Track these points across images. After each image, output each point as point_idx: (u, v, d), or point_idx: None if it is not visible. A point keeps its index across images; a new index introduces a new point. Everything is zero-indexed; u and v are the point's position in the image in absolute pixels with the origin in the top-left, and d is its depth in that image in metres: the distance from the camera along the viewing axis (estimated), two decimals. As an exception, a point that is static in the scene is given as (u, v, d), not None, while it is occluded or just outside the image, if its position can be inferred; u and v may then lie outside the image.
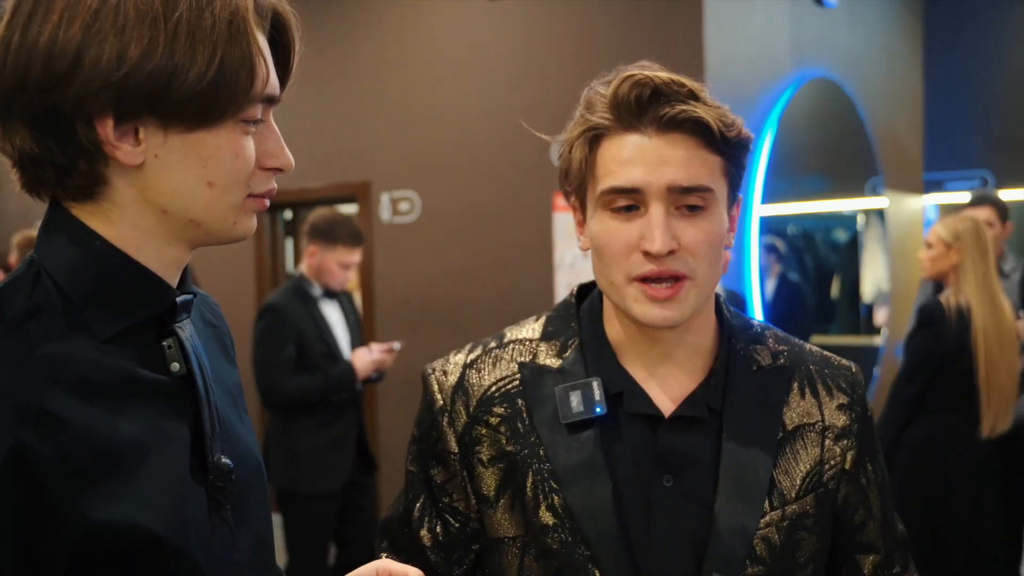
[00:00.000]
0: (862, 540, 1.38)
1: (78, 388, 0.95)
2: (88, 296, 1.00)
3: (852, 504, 1.36)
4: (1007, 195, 5.00)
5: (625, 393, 1.30)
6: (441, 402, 1.38)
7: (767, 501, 1.27)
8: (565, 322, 1.39)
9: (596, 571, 1.24)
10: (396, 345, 4.39)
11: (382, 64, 6.79)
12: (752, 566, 1.24)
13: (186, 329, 1.09)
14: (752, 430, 1.30)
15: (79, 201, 1.01)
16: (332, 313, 4.41)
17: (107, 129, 0.95)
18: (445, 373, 1.40)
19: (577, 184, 1.30)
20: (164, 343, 1.05)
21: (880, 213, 6.97)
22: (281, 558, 4.19)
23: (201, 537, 1.02)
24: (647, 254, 1.20)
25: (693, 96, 1.22)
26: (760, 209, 5.90)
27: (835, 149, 6.88)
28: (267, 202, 1.11)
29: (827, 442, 1.34)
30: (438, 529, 1.38)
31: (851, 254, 7.13)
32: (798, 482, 1.30)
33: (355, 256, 4.38)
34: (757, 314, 5.88)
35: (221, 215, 1.04)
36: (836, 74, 6.57)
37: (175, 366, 1.05)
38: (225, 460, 1.08)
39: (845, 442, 1.35)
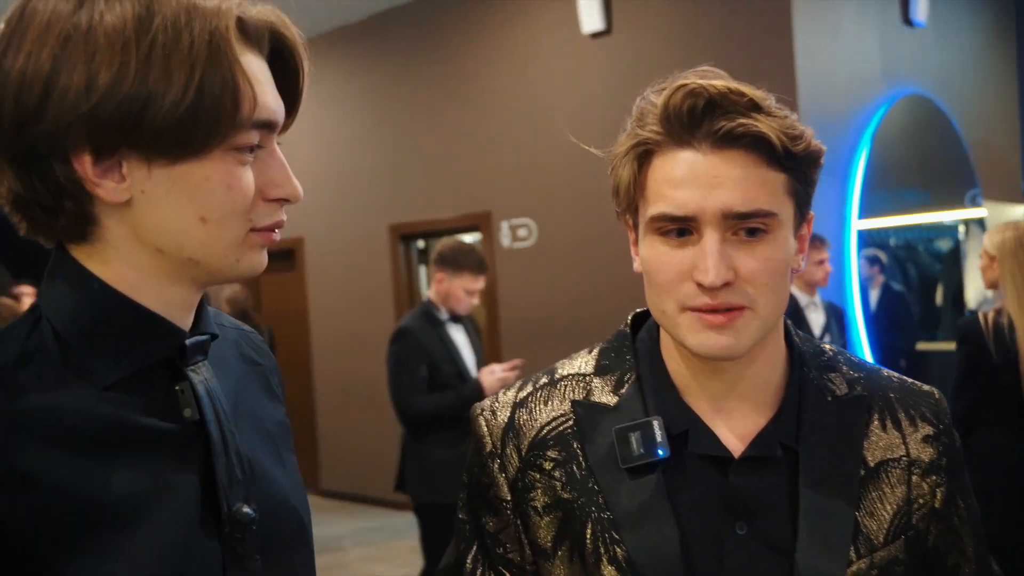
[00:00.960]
0: None
1: (64, 442, 0.85)
2: (87, 341, 0.90)
3: (944, 546, 1.16)
4: None
5: (690, 432, 1.11)
6: (491, 445, 1.20)
7: (852, 548, 1.07)
8: (620, 355, 1.20)
9: None
10: (518, 364, 4.28)
11: (500, 107, 6.87)
12: None
13: (201, 372, 0.96)
14: (831, 468, 1.10)
15: (76, 242, 0.91)
16: (458, 335, 4.32)
17: (85, 165, 0.85)
18: (494, 413, 1.21)
19: (626, 204, 1.10)
20: (176, 388, 0.93)
21: (980, 222, 6.76)
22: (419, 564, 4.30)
23: None
24: (700, 285, 1.02)
25: (754, 107, 1.01)
26: (858, 223, 5.82)
27: (932, 163, 6.73)
28: (276, 235, 0.96)
29: (914, 479, 1.12)
30: None
31: (953, 263, 6.92)
32: (886, 525, 1.10)
33: (479, 283, 4.26)
34: (860, 324, 5.80)
35: (220, 252, 0.91)
36: (928, 90, 6.44)
37: (187, 412, 0.93)
38: (246, 510, 0.94)
39: (934, 478, 1.13)
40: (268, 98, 0.91)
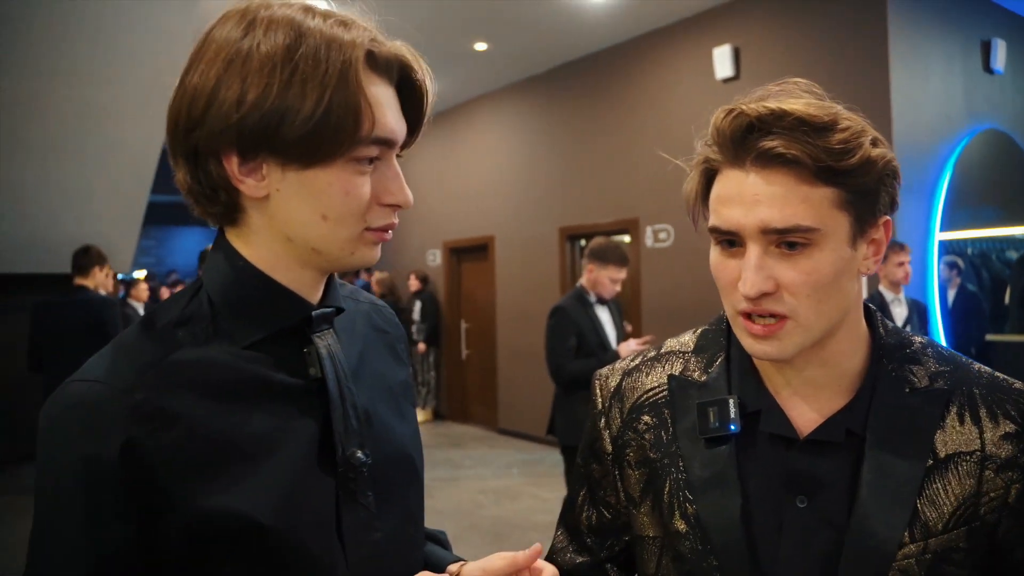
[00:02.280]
0: None
1: (204, 388, 0.82)
2: (232, 308, 0.87)
3: (1012, 541, 0.94)
4: None
5: (763, 412, 0.99)
6: (600, 405, 1.11)
7: (907, 532, 0.91)
8: (716, 337, 1.08)
9: None
10: (649, 339, 4.16)
11: (645, 133, 6.83)
12: None
13: (326, 338, 0.91)
14: (897, 455, 0.93)
15: (229, 226, 0.89)
16: (603, 315, 4.22)
17: (232, 165, 0.82)
18: (607, 378, 1.12)
19: (692, 215, 0.99)
20: (304, 350, 0.89)
21: (1046, 236, 6.41)
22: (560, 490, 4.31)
23: (321, 522, 0.86)
24: (744, 294, 0.91)
25: (801, 125, 0.86)
26: (940, 235, 5.64)
27: (1004, 186, 6.33)
28: (388, 235, 0.90)
29: (987, 473, 0.93)
30: (594, 517, 1.13)
31: (1020, 269, 6.56)
32: (947, 513, 0.92)
33: (622, 274, 4.16)
34: (938, 319, 5.59)
35: (338, 246, 0.87)
36: (1004, 126, 6.13)
37: (312, 371, 0.88)
38: (359, 454, 0.90)
39: (1010, 474, 0.93)
40: (388, 119, 0.85)
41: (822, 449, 0.95)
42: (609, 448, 1.09)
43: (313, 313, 0.90)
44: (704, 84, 6.31)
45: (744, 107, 0.89)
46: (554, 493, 5.99)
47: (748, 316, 0.92)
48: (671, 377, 1.06)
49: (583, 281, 4.23)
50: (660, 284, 6.72)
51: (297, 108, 0.79)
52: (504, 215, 8.35)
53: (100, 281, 4.46)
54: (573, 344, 4.06)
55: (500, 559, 0.91)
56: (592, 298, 4.18)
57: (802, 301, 0.89)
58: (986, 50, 6.01)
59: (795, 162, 0.86)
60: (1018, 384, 0.98)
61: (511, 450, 7.81)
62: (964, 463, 0.93)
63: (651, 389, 1.07)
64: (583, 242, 7.67)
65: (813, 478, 0.95)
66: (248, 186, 0.83)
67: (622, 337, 4.29)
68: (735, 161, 0.91)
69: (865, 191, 0.89)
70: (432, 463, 7.38)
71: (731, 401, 0.98)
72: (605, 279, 4.12)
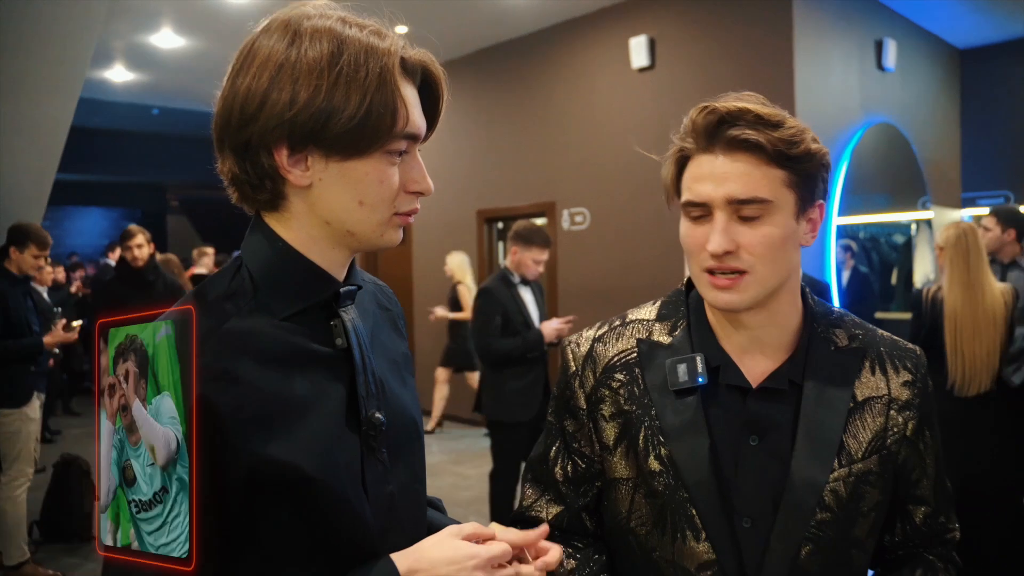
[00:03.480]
0: (916, 494, 1.20)
1: (255, 354, 0.89)
2: (271, 284, 0.94)
3: (909, 465, 1.18)
4: None
5: (722, 367, 1.14)
6: (574, 368, 1.24)
7: (836, 460, 1.10)
8: (676, 307, 1.23)
9: (693, 510, 1.11)
10: (572, 319, 4.30)
11: (565, 123, 6.94)
12: (821, 512, 1.09)
13: (350, 313, 1.00)
14: (826, 400, 1.12)
15: (269, 211, 0.96)
16: (527, 295, 4.30)
17: (282, 157, 0.90)
18: (578, 345, 1.25)
19: (668, 195, 1.16)
20: (332, 323, 0.97)
21: (928, 222, 6.85)
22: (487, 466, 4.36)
23: (351, 475, 0.93)
24: (711, 252, 1.07)
25: (759, 120, 1.05)
26: (838, 220, 5.93)
27: (894, 175, 6.76)
28: (411, 219, 1.00)
29: (892, 412, 1.15)
30: (568, 468, 1.24)
31: (906, 252, 6.94)
32: (864, 444, 1.12)
33: (545, 255, 4.28)
34: (835, 297, 5.85)
35: (371, 228, 0.95)
36: (894, 120, 6.50)
37: (339, 341, 0.96)
38: (378, 415, 0.98)
39: (908, 413, 1.16)
40: (416, 117, 0.94)
41: (770, 396, 1.13)
42: (583, 404, 1.22)
43: (341, 290, 0.98)
44: (621, 73, 6.46)
45: (716, 105, 1.07)
46: (476, 470, 6.11)
47: (712, 273, 1.08)
48: (640, 341, 1.21)
49: (507, 263, 4.32)
50: (576, 265, 6.85)
51: (342, 108, 0.88)
52: (421, 198, 8.30)
53: (27, 264, 4.26)
54: (499, 323, 4.15)
55: (514, 532, 1.00)
56: (516, 279, 4.27)
57: (758, 259, 1.06)
58: (879, 49, 6.36)
59: (756, 147, 1.04)
60: (911, 345, 1.23)
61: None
62: (876, 404, 1.15)
63: (622, 351, 1.21)
64: (500, 225, 7.75)
65: (764, 420, 1.12)
66: (295, 175, 0.91)
67: (545, 316, 4.40)
68: (707, 148, 1.08)
69: (807, 176, 1.08)
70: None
71: (698, 358, 1.14)
72: (529, 260, 4.21)
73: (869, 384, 1.15)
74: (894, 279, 7.06)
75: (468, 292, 7.03)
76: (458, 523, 1.03)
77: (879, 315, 6.57)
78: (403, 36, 0.96)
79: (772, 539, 1.09)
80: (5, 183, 5.78)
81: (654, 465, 1.14)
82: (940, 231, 3.62)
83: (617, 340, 1.22)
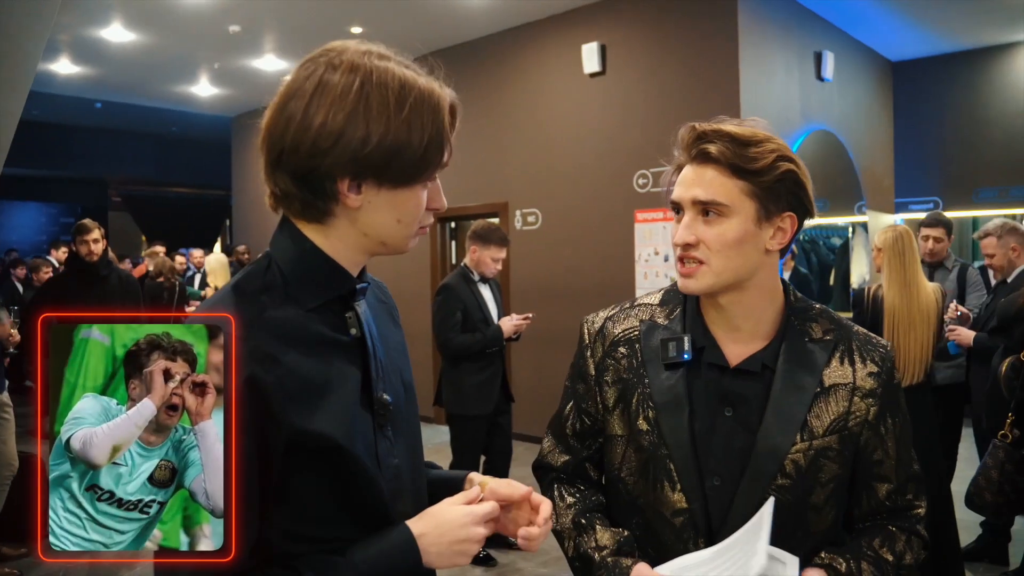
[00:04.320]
0: (878, 472, 1.32)
1: (290, 340, 0.98)
2: (299, 280, 1.03)
3: (871, 446, 1.30)
4: (951, 214, 5.09)
5: (706, 348, 1.29)
6: (587, 341, 1.41)
7: (799, 434, 1.24)
8: (676, 295, 1.38)
9: (671, 465, 1.26)
10: (530, 316, 4.39)
11: (516, 121, 7.02)
12: (781, 478, 1.23)
13: (361, 306, 1.09)
14: (795, 383, 1.26)
15: (310, 222, 1.04)
16: (486, 292, 4.38)
17: (345, 184, 0.99)
18: (593, 322, 1.42)
19: (667, 199, 1.31)
20: (347, 315, 1.07)
21: (864, 225, 7.10)
22: (448, 459, 4.42)
23: (367, 447, 1.04)
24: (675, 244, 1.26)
25: (730, 139, 1.20)
26: (778, 222, 6.12)
27: (831, 180, 6.92)
28: (427, 229, 1.12)
29: (855, 399, 1.27)
30: (577, 425, 1.42)
31: (843, 254, 7.11)
32: (826, 424, 1.25)
33: (503, 253, 4.35)
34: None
35: (400, 240, 1.07)
36: (832, 128, 6.72)
37: (353, 331, 1.06)
38: (386, 396, 1.09)
39: (870, 400, 1.28)
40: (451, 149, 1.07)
41: (745, 376, 1.28)
42: (592, 371, 1.39)
43: (357, 286, 1.08)
44: (573, 78, 6.57)
45: (696, 124, 1.25)
46: (438, 463, 6.08)
47: (681, 262, 1.26)
48: (642, 321, 1.38)
49: (467, 261, 4.38)
50: (528, 264, 6.94)
51: (407, 145, 0.99)
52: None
53: None
54: (459, 319, 4.23)
55: (504, 486, 1.13)
56: (475, 276, 4.34)
57: (713, 253, 1.23)
58: (818, 60, 6.59)
59: (717, 160, 1.21)
60: (883, 341, 1.37)
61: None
62: (840, 390, 1.28)
63: (627, 329, 1.38)
64: (453, 224, 7.80)
65: (738, 395, 1.28)
66: (350, 199, 1.01)
67: (503, 312, 4.48)
68: (688, 159, 1.26)
69: (767, 188, 1.22)
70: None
71: (686, 338, 1.31)
72: (488, 259, 4.29)
73: (836, 372, 1.28)
74: (832, 279, 7.26)
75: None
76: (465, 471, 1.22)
77: (817, 314, 6.71)
78: (441, 78, 1.08)
79: (736, 497, 1.25)
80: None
81: (642, 425, 1.30)
82: (878, 234, 3.75)
83: (624, 319, 1.39)
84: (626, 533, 1.33)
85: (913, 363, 3.48)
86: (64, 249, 5.58)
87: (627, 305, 1.43)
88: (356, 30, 7.04)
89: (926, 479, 1.41)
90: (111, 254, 5.62)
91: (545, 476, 1.47)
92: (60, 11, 6.36)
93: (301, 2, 6.34)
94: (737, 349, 1.30)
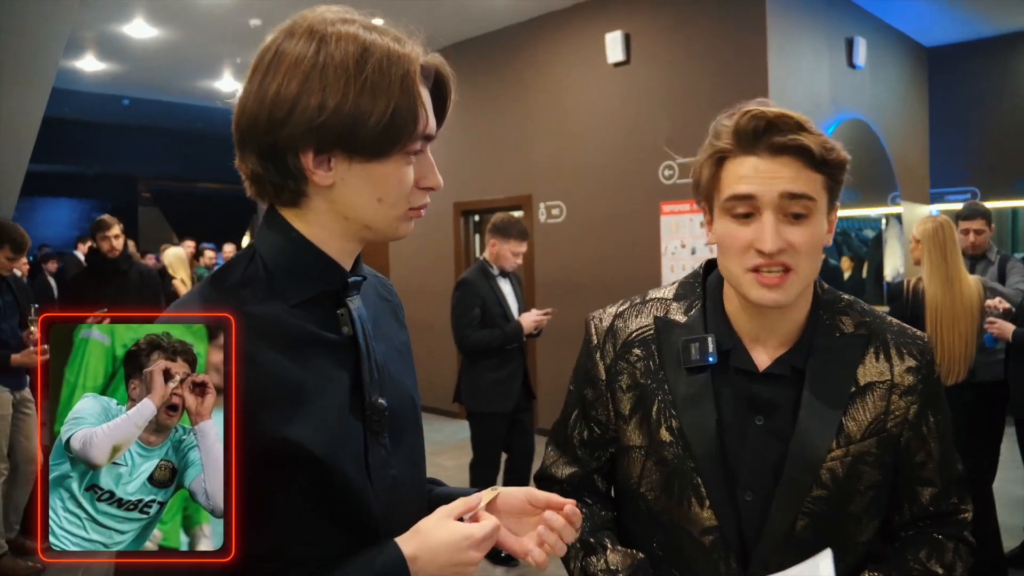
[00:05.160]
0: (922, 475, 1.23)
1: (270, 339, 0.92)
2: (284, 272, 0.97)
3: (913, 447, 1.21)
4: (989, 204, 4.97)
5: (732, 351, 1.20)
6: (596, 340, 1.30)
7: (835, 440, 1.15)
8: (692, 288, 1.28)
9: (699, 479, 1.17)
10: (550, 311, 4.31)
11: (539, 113, 6.97)
12: (817, 489, 1.14)
13: (355, 302, 1.03)
14: (828, 384, 1.17)
15: (287, 207, 0.98)
16: (505, 287, 4.32)
17: (308, 159, 0.92)
18: (601, 320, 1.31)
19: (706, 194, 1.18)
20: (338, 312, 1.00)
21: (898, 217, 6.98)
22: (470, 456, 4.38)
23: (355, 457, 0.97)
24: (760, 252, 1.10)
25: (800, 127, 1.10)
26: (808, 213, 6.04)
27: (864, 170, 6.72)
28: (423, 212, 1.03)
29: (894, 397, 1.18)
30: (585, 434, 1.32)
31: (876, 246, 6.98)
32: (864, 426, 1.16)
33: (523, 247, 4.29)
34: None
35: (387, 223, 0.99)
36: (864, 116, 6.60)
37: (345, 329, 1.00)
38: (381, 401, 1.01)
39: (910, 398, 1.19)
40: (431, 119, 0.99)
41: (775, 380, 1.19)
42: (603, 376, 1.29)
43: (348, 280, 1.01)
44: (596, 67, 6.48)
45: (763, 110, 1.11)
46: (453, 461, 6.10)
47: (758, 271, 1.12)
48: (657, 319, 1.27)
49: (486, 255, 4.34)
50: (552, 258, 6.88)
51: (369, 113, 0.91)
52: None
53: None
54: (477, 315, 4.18)
55: (543, 493, 1.05)
56: (495, 271, 4.30)
57: (802, 258, 1.11)
58: (850, 47, 6.44)
59: (803, 151, 1.09)
60: (920, 333, 1.26)
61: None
62: (878, 389, 1.19)
63: (640, 328, 1.27)
64: (477, 218, 7.76)
65: (768, 402, 1.18)
66: (319, 176, 0.94)
67: (523, 308, 4.42)
68: (749, 150, 1.12)
69: (837, 180, 1.14)
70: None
71: (710, 339, 1.20)
72: (507, 252, 4.24)
73: (872, 369, 1.19)
74: (864, 272, 7.16)
75: (184, 287, 7.07)
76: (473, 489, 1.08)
77: (849, 308, 6.63)
78: (419, 40, 0.99)
79: (771, 512, 1.15)
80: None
81: (665, 436, 1.20)
82: (916, 225, 3.67)
83: (636, 317, 1.28)
84: (640, 556, 1.24)
85: (957, 360, 3.38)
86: (89, 244, 5.68)
87: (637, 300, 1.32)
88: (376, 22, 7.01)
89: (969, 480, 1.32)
90: (132, 249, 5.68)
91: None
92: (82, 7, 6.42)
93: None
94: (764, 350, 1.21)
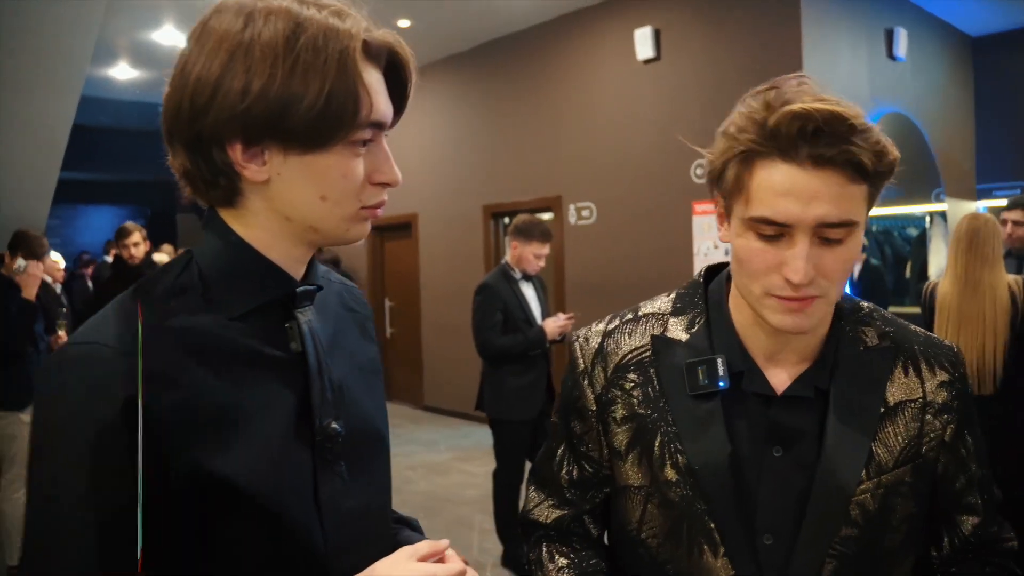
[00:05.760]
0: (964, 503, 1.10)
1: (198, 356, 0.83)
2: (222, 280, 0.88)
3: (951, 472, 1.09)
4: None
5: (745, 373, 1.06)
6: (583, 365, 1.15)
7: (864, 471, 1.01)
8: (693, 300, 1.13)
9: (712, 523, 1.03)
10: (573, 316, 4.21)
11: (568, 113, 6.90)
12: (847, 528, 1.01)
13: (307, 314, 0.93)
14: (855, 406, 1.03)
15: (225, 207, 0.89)
16: (528, 291, 4.24)
17: (236, 152, 0.83)
18: (587, 340, 1.16)
19: (728, 193, 1.00)
20: (287, 325, 0.91)
21: (943, 214, 6.78)
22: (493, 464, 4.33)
23: (300, 491, 0.88)
24: (788, 280, 0.95)
25: (852, 130, 0.91)
26: (847, 212, 5.89)
27: (906, 166, 6.56)
28: (379, 212, 0.93)
29: (927, 417, 1.05)
30: (575, 472, 1.17)
31: (920, 245, 6.90)
32: (896, 453, 1.03)
33: (545, 249, 4.17)
34: (846, 291, 5.80)
35: (334, 223, 0.89)
36: (906, 110, 6.42)
37: (293, 345, 0.90)
38: (334, 425, 0.91)
39: (945, 416, 1.06)
40: (381, 103, 0.88)
41: (795, 404, 1.05)
42: (593, 406, 1.13)
43: (297, 290, 0.91)
44: (625, 65, 6.39)
45: (808, 108, 0.91)
46: (482, 468, 6.05)
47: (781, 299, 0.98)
48: (654, 338, 1.11)
49: (508, 258, 4.27)
50: (583, 260, 6.81)
51: (300, 96, 0.81)
52: (427, 193, 8.32)
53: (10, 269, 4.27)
54: (499, 320, 4.10)
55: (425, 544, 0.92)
56: (517, 274, 4.22)
57: (833, 284, 0.97)
58: (889, 38, 6.26)
59: (850, 164, 0.91)
60: (947, 341, 1.13)
61: (438, 426, 7.84)
62: (909, 409, 1.05)
63: (635, 349, 1.12)
64: (507, 220, 7.69)
65: (789, 430, 1.04)
66: (251, 171, 0.84)
67: (547, 312, 4.34)
68: (789, 156, 0.93)
69: (880, 188, 0.97)
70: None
71: (719, 360, 1.05)
72: (529, 255, 4.16)
73: (902, 386, 1.06)
74: (908, 272, 6.99)
75: None
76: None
77: (892, 309, 6.47)
78: (366, 16, 0.89)
79: (794, 556, 1.01)
80: (7, 183, 5.80)
81: (670, 474, 1.06)
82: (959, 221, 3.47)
83: (630, 336, 1.14)
84: None
85: (976, 372, 3.09)
86: (114, 251, 5.76)
87: (628, 316, 1.16)
88: (403, 23, 7.00)
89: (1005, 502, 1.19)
90: (155, 257, 5.71)
91: (532, 533, 1.23)
92: (111, 15, 6.48)
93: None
94: (781, 372, 1.06)
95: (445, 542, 0.93)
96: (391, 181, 0.91)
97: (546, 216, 7.16)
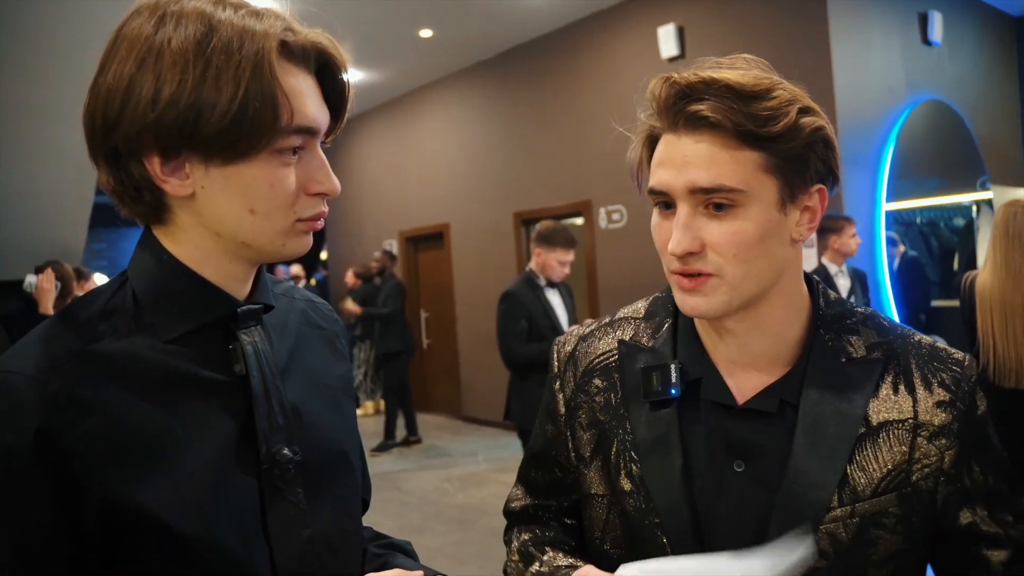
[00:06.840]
0: (984, 535, 0.97)
1: (125, 381, 0.79)
2: (156, 303, 0.84)
3: (954, 506, 0.96)
4: None
5: (703, 380, 1.00)
6: (556, 369, 1.13)
7: (836, 496, 0.92)
8: (665, 304, 1.08)
9: (664, 538, 0.96)
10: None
11: (593, 115, 6.85)
12: (816, 560, 0.90)
13: (252, 335, 0.89)
14: (828, 424, 0.94)
15: (156, 224, 0.86)
16: (554, 298, 4.20)
17: (154, 165, 0.80)
18: (564, 344, 1.14)
19: (639, 181, 1.00)
20: (230, 347, 0.87)
21: (989, 203, 6.55)
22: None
23: (242, 523, 0.83)
24: (672, 253, 0.92)
25: (729, 91, 0.88)
26: (886, 206, 5.70)
27: (947, 155, 6.47)
28: (320, 223, 0.88)
29: (919, 440, 0.94)
30: (547, 476, 1.15)
31: (967, 235, 6.67)
32: (876, 479, 0.93)
33: (570, 256, 4.13)
34: (888, 286, 5.62)
35: (268, 238, 0.85)
36: (944, 96, 6.23)
37: (238, 367, 0.86)
38: (286, 451, 0.87)
39: (943, 441, 0.95)
40: (308, 108, 0.83)
41: (757, 417, 0.97)
42: (562, 410, 1.11)
43: (239, 309, 0.88)
44: (650, 63, 6.30)
45: (676, 76, 0.91)
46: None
47: (681, 273, 0.94)
48: (621, 342, 1.08)
49: (532, 265, 4.23)
50: (615, 264, 6.75)
51: (213, 103, 0.77)
52: (458, 202, 8.33)
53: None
54: (524, 328, 4.07)
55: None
56: (542, 282, 4.18)
57: (728, 260, 0.91)
58: (923, 23, 6.09)
59: (719, 125, 0.88)
60: (958, 355, 1.00)
61: (475, 437, 7.82)
62: (896, 430, 0.95)
63: (603, 353, 1.09)
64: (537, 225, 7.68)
65: (750, 444, 0.96)
66: (172, 185, 0.81)
67: (574, 319, 4.28)
68: (670, 126, 0.93)
69: (792, 157, 0.90)
70: (396, 453, 7.37)
71: (672, 366, 1.00)
72: (553, 262, 4.13)
73: (889, 405, 0.96)
74: (956, 264, 6.77)
75: None
76: (423, 568, 0.97)
77: (937, 303, 6.32)
78: (291, 15, 0.85)
79: None
80: (44, 209, 5.94)
81: (625, 484, 1.01)
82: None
83: (601, 340, 1.10)
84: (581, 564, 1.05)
85: (1012, 363, 2.96)
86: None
87: (606, 320, 1.13)
88: (426, 33, 7.02)
89: None
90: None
91: (512, 524, 1.22)
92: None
93: (369, 9, 6.34)
94: (747, 379, 0.99)
95: (418, 574, 0.90)
96: (328, 191, 0.87)
97: (577, 221, 7.14)
